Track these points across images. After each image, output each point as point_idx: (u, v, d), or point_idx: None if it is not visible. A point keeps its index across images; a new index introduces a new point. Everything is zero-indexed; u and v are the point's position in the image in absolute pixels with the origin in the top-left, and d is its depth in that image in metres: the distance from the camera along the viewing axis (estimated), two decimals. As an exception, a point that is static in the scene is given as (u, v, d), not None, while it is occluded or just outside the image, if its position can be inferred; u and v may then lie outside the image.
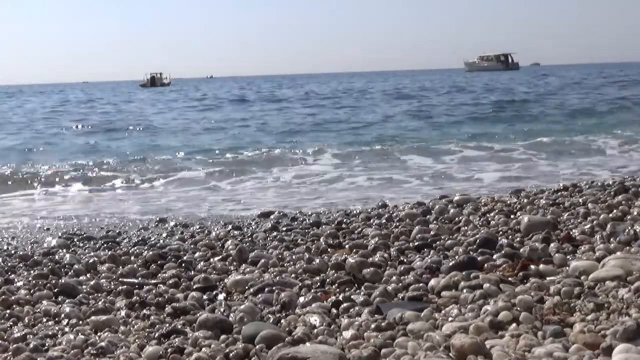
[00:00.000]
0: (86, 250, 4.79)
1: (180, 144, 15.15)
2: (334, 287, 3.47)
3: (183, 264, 4.14)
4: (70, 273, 4.05)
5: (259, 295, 3.38)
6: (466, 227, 4.61)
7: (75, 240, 5.16)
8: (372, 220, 5.23)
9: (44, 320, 3.19)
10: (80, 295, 3.54)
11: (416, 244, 4.21)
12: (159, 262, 4.20)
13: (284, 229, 5.17)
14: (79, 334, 2.92)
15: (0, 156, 13.29)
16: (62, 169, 11.13)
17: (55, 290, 3.60)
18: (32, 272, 4.04)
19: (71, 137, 18.12)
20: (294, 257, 4.14)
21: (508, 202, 5.50)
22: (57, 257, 4.48)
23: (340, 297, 3.22)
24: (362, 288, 3.36)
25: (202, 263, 4.19)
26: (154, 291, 3.56)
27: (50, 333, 2.98)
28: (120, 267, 4.12)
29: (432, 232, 4.48)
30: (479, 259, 3.64)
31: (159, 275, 3.96)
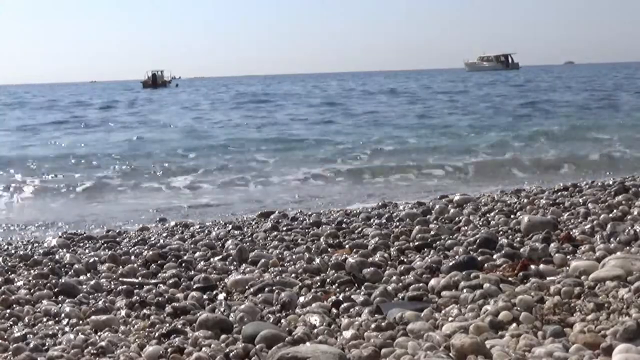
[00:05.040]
0: (86, 250, 4.79)
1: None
2: (334, 287, 3.47)
3: (183, 264, 4.13)
4: (70, 273, 4.05)
5: (259, 295, 3.38)
6: (466, 227, 4.61)
7: (75, 240, 5.16)
8: (372, 220, 5.23)
9: (44, 319, 3.18)
10: (80, 295, 3.54)
11: (416, 243, 4.21)
12: (159, 261, 4.20)
13: (284, 228, 5.17)
14: (79, 333, 2.92)
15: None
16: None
17: (56, 290, 3.60)
18: (32, 271, 4.04)
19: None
20: (294, 257, 4.13)
21: (508, 202, 5.51)
22: (57, 256, 4.47)
23: (340, 297, 3.22)
24: (362, 288, 3.36)
25: (202, 263, 4.18)
26: (154, 291, 3.56)
27: (50, 333, 2.98)
28: (120, 267, 4.12)
29: (432, 232, 4.48)
30: (479, 259, 3.64)
31: (159, 275, 3.95)
